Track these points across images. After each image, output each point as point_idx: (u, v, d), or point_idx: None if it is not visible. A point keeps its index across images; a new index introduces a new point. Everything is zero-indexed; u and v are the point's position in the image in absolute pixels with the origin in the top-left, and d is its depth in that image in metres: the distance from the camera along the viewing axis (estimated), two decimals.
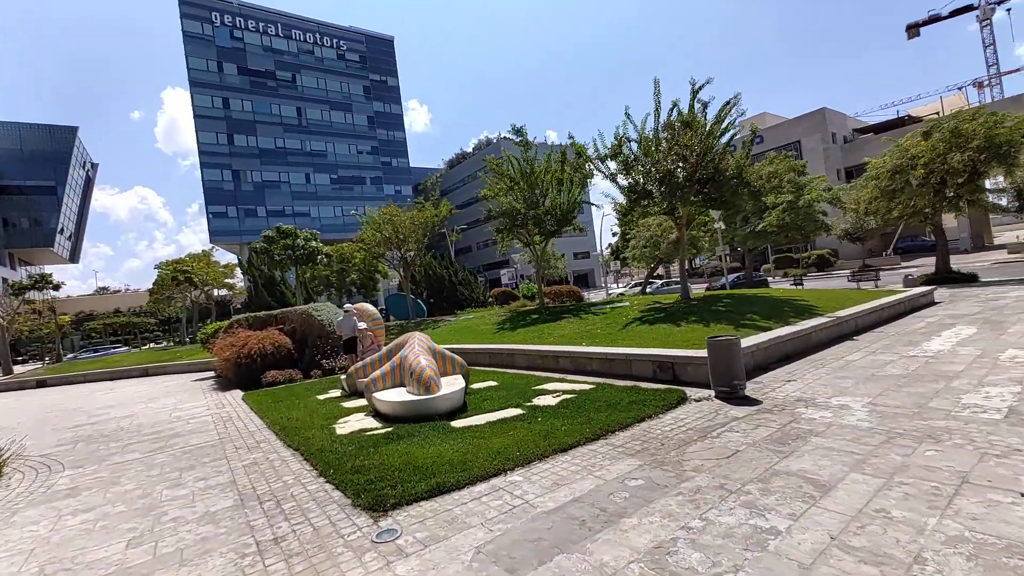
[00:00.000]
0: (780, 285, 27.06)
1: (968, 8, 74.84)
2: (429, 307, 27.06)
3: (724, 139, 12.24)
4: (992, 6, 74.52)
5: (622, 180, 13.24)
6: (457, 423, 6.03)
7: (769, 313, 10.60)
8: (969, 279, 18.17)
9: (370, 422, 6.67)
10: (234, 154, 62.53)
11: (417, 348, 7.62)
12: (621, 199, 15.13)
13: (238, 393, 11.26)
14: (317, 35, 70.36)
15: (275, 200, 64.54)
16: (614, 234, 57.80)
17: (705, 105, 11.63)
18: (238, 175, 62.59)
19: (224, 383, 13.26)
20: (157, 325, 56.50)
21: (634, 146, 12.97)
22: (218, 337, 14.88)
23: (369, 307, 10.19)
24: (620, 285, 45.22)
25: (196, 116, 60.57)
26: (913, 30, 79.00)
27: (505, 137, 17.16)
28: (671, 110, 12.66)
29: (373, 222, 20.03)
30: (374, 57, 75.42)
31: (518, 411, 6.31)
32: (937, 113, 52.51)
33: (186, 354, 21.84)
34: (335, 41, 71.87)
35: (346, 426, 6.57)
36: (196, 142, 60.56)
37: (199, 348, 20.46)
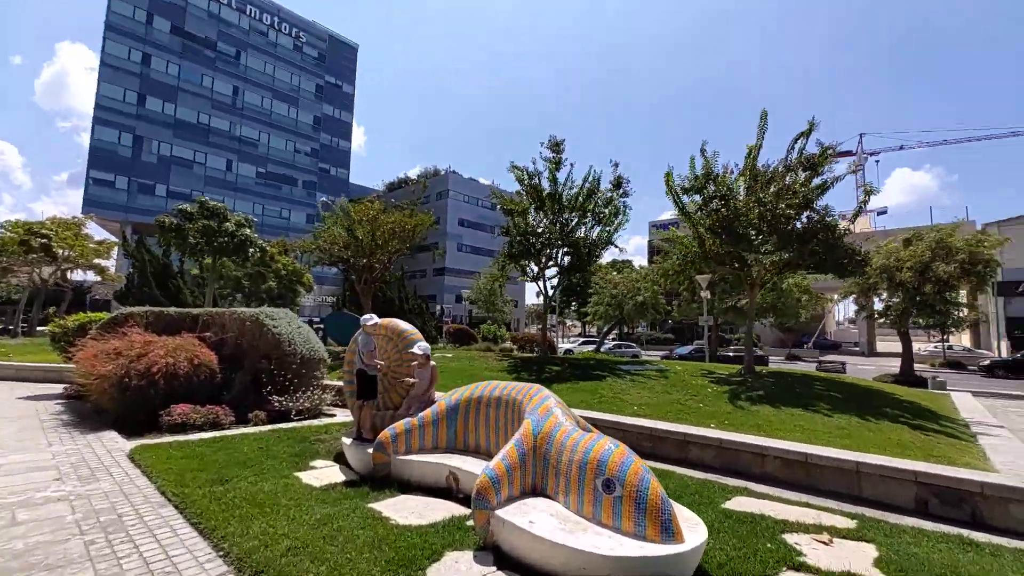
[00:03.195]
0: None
1: (848, 153, 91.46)
2: None
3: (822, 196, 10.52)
4: (866, 156, 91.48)
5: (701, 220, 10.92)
6: None
7: (906, 408, 8.46)
8: (922, 383, 18.19)
9: None
10: (142, 117, 52.67)
11: (566, 421, 4.00)
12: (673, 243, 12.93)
13: (116, 440, 6.44)
14: (276, 19, 64.09)
15: (182, 180, 54.71)
16: (554, 287, 56.88)
17: (825, 149, 9.85)
18: (140, 141, 52.50)
19: (88, 413, 8.07)
20: None
21: (716, 185, 10.90)
22: (90, 335, 9.54)
23: (403, 324, 6.28)
24: (567, 340, 43.08)
25: (103, 64, 50.57)
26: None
27: (538, 156, 14.45)
28: (749, 156, 10.92)
29: (343, 218, 15.59)
30: (333, 59, 70.43)
31: None
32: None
33: (18, 351, 15.01)
34: (294, 30, 66.03)
35: None
36: (96, 93, 50.14)
37: (46, 345, 14.03)
